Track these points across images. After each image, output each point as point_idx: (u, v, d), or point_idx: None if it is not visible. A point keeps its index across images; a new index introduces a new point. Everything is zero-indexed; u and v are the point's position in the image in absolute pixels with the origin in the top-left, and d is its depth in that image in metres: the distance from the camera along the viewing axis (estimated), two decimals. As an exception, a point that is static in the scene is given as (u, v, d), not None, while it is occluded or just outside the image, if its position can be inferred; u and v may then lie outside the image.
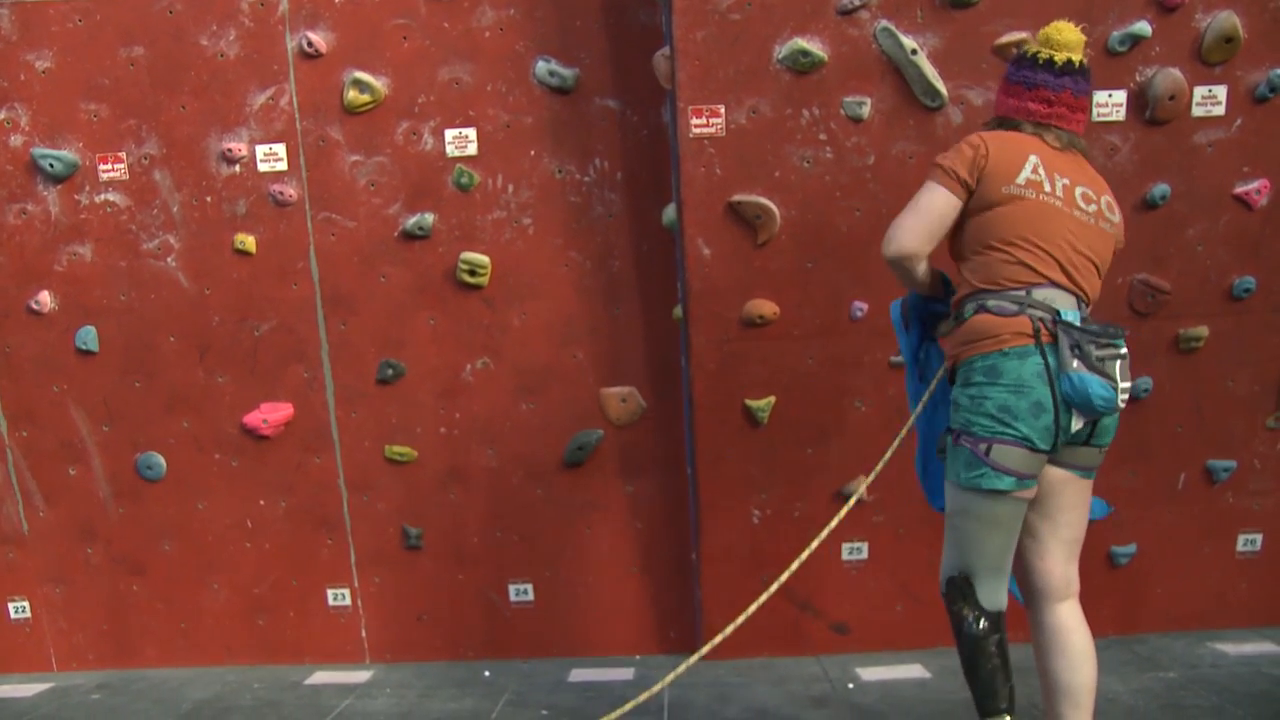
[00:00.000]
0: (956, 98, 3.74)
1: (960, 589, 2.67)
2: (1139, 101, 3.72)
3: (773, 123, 3.76)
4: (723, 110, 3.75)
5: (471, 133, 3.98)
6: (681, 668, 3.10)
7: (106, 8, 3.99)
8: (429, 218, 4.03)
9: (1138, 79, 3.70)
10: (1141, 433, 3.94)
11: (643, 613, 4.24)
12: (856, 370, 3.91)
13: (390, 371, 4.14)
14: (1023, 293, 2.56)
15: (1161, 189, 3.76)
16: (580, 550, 4.23)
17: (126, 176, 4.12)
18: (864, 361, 3.90)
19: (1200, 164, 3.77)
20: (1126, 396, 2.55)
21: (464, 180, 3.99)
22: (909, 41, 3.68)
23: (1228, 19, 3.63)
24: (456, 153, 3.99)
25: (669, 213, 3.96)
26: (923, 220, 2.62)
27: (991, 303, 2.58)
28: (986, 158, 2.58)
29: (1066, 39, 2.65)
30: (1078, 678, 2.69)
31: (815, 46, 3.70)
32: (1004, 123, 2.74)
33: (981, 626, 2.64)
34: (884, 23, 3.68)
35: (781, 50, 3.71)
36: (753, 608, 3.00)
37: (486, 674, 4.16)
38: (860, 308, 3.85)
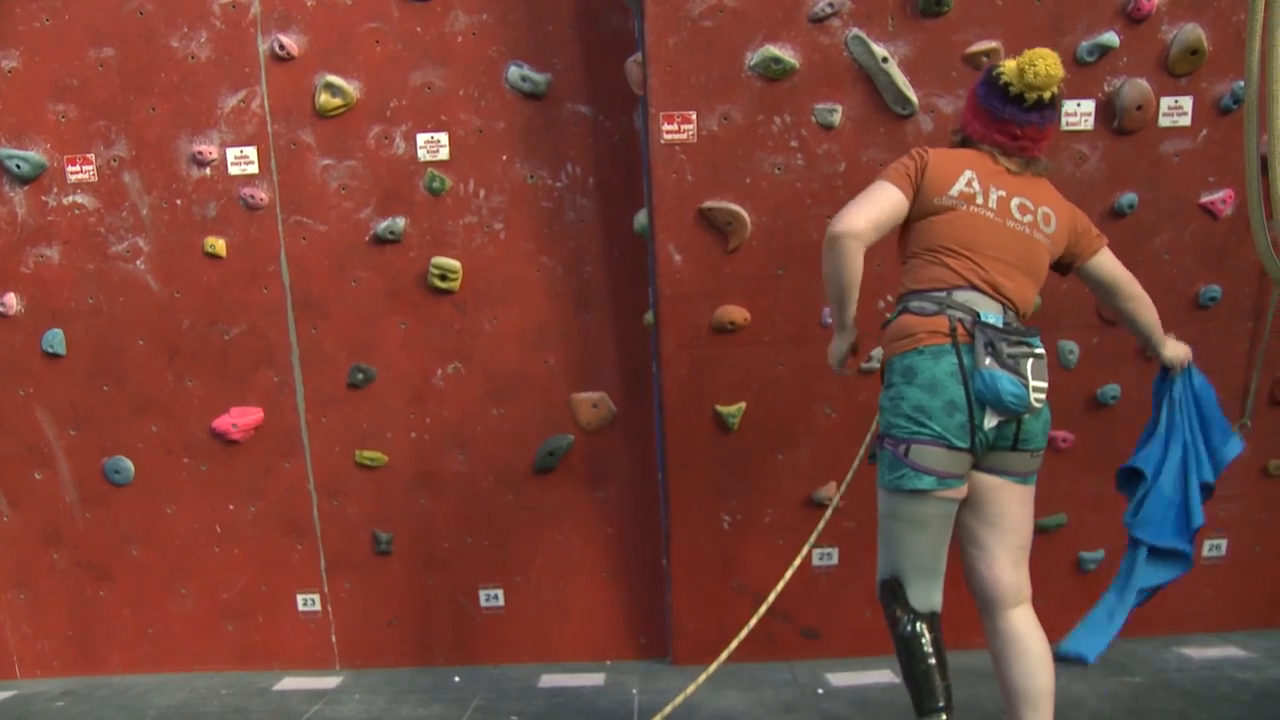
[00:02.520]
0: (927, 105, 3.76)
1: (892, 591, 2.70)
2: (1107, 111, 3.75)
3: (744, 129, 3.77)
4: (694, 116, 3.76)
5: (443, 137, 3.97)
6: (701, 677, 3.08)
7: (75, 7, 3.97)
8: (400, 222, 4.02)
9: (1105, 89, 3.73)
10: (1109, 439, 3.97)
11: (613, 618, 4.24)
12: (826, 377, 3.89)
13: (361, 376, 4.12)
14: (944, 294, 2.63)
15: (1129, 198, 3.79)
16: (551, 555, 4.22)
17: (95, 178, 4.09)
18: (834, 368, 3.91)
19: (1167, 173, 3.81)
20: (1042, 396, 2.57)
21: (436, 185, 3.98)
22: (880, 49, 3.70)
23: (1193, 31, 3.67)
24: (428, 157, 3.99)
25: (640, 218, 3.96)
26: (873, 207, 2.66)
27: (914, 303, 2.67)
28: (924, 170, 2.68)
29: (1043, 79, 2.62)
30: (1035, 682, 2.71)
31: (787, 54, 3.72)
32: (967, 142, 2.83)
33: (913, 628, 2.66)
34: (855, 31, 3.70)
35: (753, 57, 3.73)
36: (753, 620, 3.25)
37: (456, 680, 4.14)
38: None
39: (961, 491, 2.63)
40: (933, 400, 2.54)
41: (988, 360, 2.51)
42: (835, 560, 4.04)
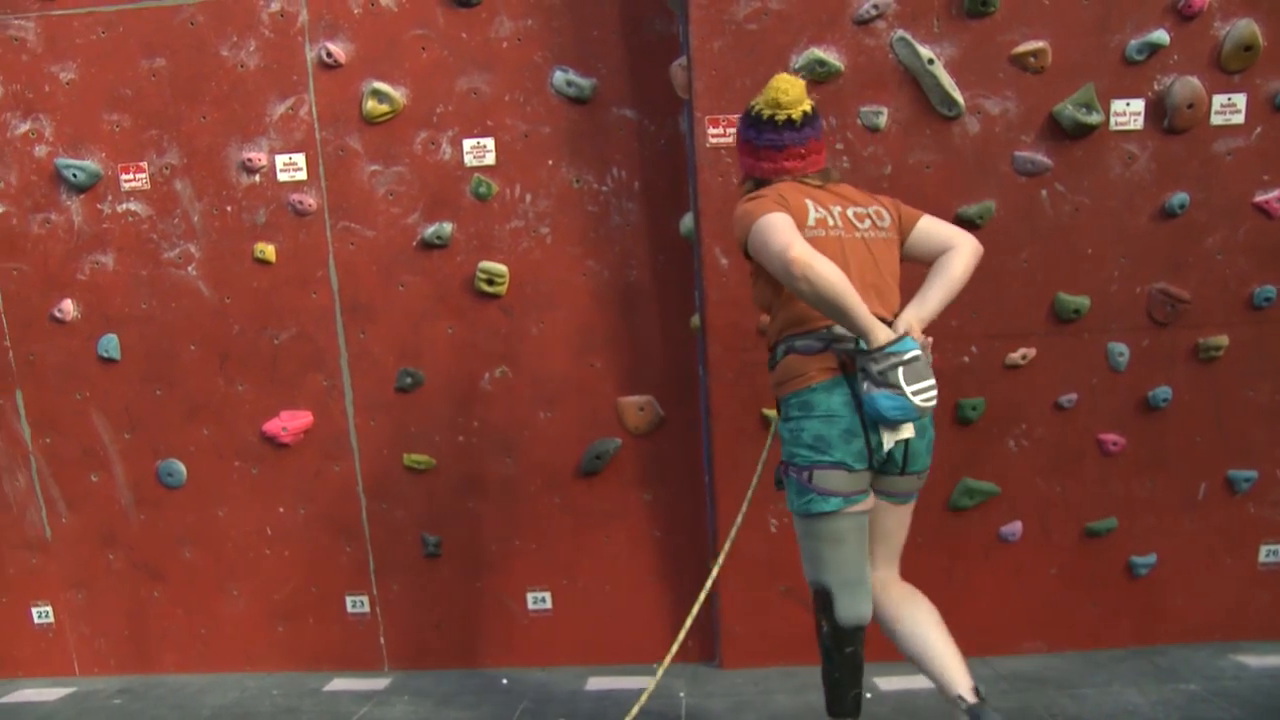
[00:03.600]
0: (973, 107, 3.73)
1: (820, 601, 2.86)
2: (1157, 110, 3.70)
3: (790, 132, 3.77)
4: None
5: (490, 142, 4.00)
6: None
7: (129, 19, 4.04)
8: (447, 227, 4.05)
9: (1155, 88, 3.68)
10: (1160, 443, 3.93)
11: (661, 621, 4.24)
12: (874, 379, 3.90)
13: (409, 380, 4.15)
14: (825, 330, 2.73)
15: (1180, 198, 3.74)
16: (598, 558, 4.23)
17: (148, 186, 4.16)
18: (881, 370, 3.89)
19: (1220, 172, 3.75)
20: (928, 397, 2.60)
21: (482, 190, 4.01)
22: (926, 51, 3.67)
23: (1247, 27, 3.61)
24: (475, 162, 4.01)
25: (686, 222, 3.97)
26: (789, 231, 2.62)
27: (799, 343, 2.77)
28: (787, 206, 2.70)
29: (793, 96, 2.79)
30: (930, 626, 2.89)
31: (832, 56, 3.71)
32: (761, 183, 2.89)
33: (832, 638, 2.83)
34: (901, 32, 3.68)
35: (798, 60, 3.72)
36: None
37: (504, 682, 4.17)
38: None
39: (868, 504, 2.78)
40: (831, 429, 2.69)
41: (865, 385, 2.61)
42: (883, 564, 4.02)
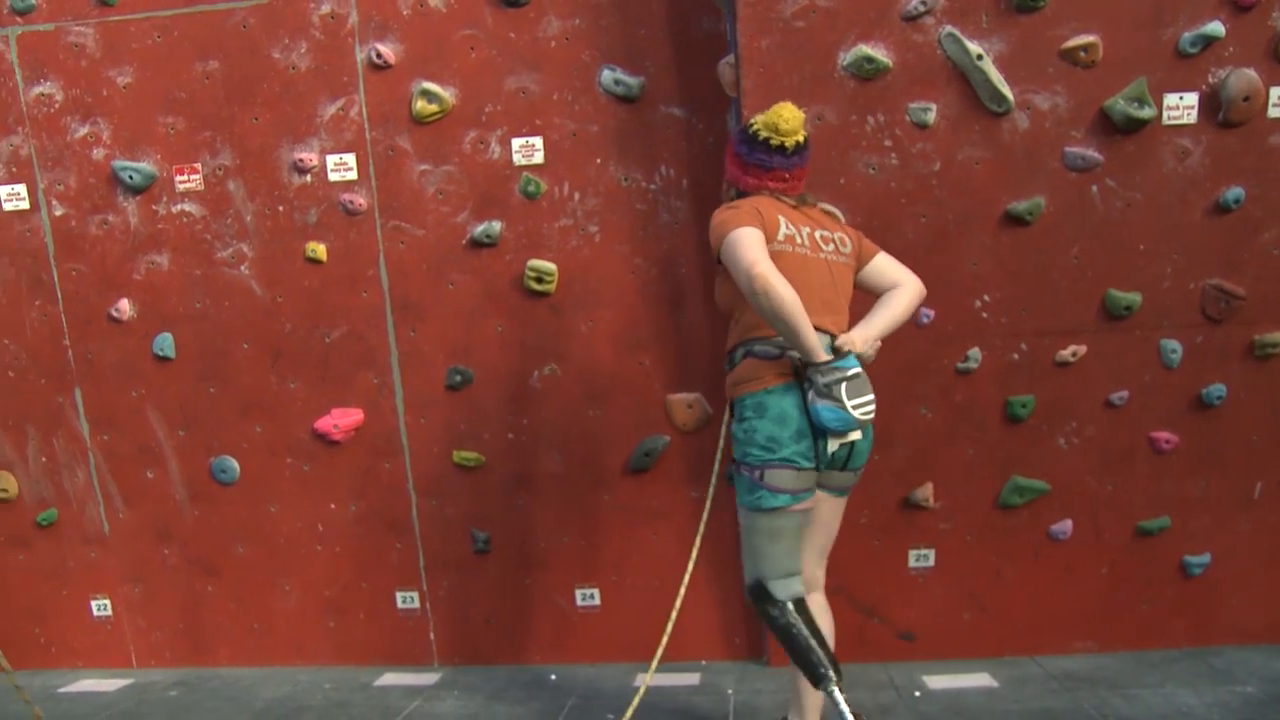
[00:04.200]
0: (1023, 103, 3.70)
1: (758, 594, 3.00)
2: (1211, 103, 3.65)
3: (838, 130, 3.76)
4: (788, 117, 3.75)
5: (538, 141, 4.02)
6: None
7: (184, 24, 4.10)
8: (496, 225, 4.08)
9: (1210, 80, 3.63)
10: (1215, 441, 3.88)
11: (709, 618, 4.25)
12: (922, 376, 3.89)
13: (458, 378, 4.19)
14: (782, 338, 2.87)
15: (1235, 192, 3.69)
16: (646, 555, 4.24)
17: (202, 187, 4.22)
18: (930, 368, 3.88)
19: (1276, 166, 3.70)
20: (866, 410, 2.79)
21: (531, 188, 4.04)
22: (974, 47, 3.65)
23: (1306, 18, 3.56)
24: (523, 161, 4.04)
25: (734, 220, 3.96)
26: (757, 248, 2.81)
27: (758, 348, 2.94)
28: (761, 219, 2.90)
29: (791, 125, 2.99)
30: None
31: (880, 53, 3.70)
32: (743, 194, 3.08)
33: (786, 618, 2.95)
34: (949, 28, 3.67)
35: (846, 57, 3.71)
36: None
37: (552, 678, 4.20)
38: (927, 314, 3.83)
39: (811, 503, 2.97)
40: (782, 431, 2.86)
41: (811, 395, 2.81)
42: (931, 562, 4.00)
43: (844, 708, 2.89)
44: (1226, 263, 3.76)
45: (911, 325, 3.84)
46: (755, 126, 3.05)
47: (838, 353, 2.85)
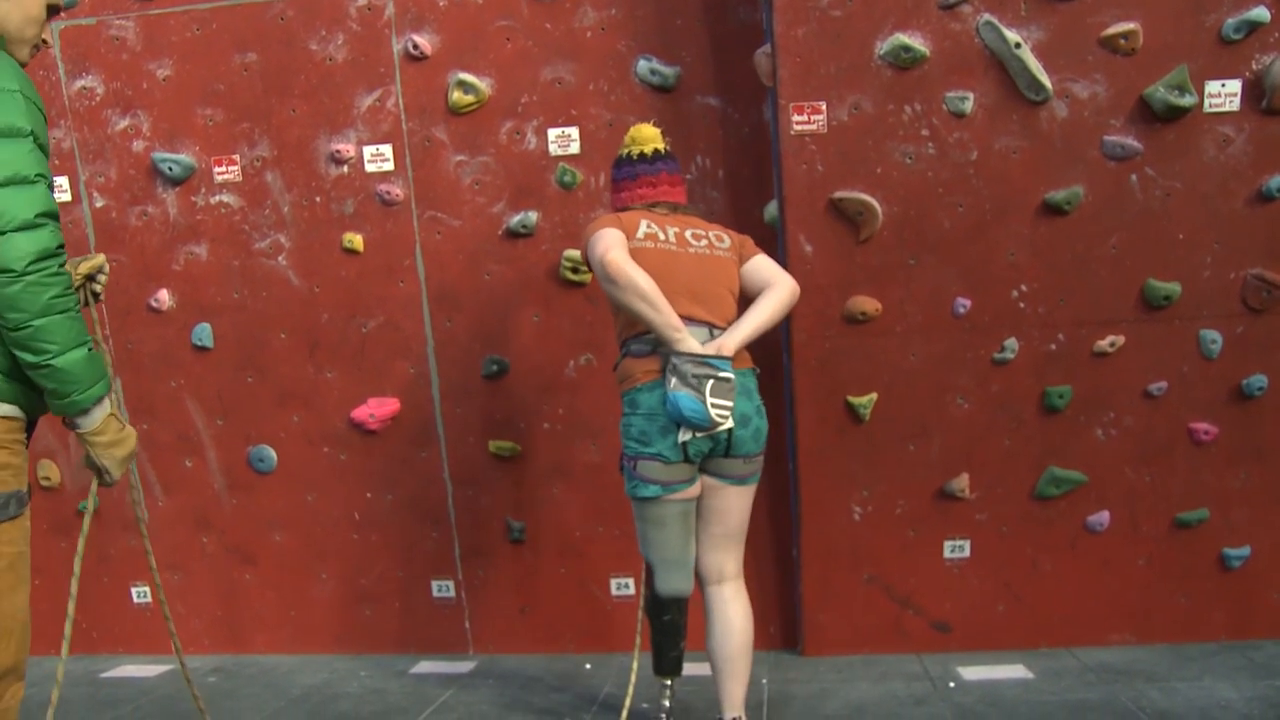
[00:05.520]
0: (1061, 91, 3.68)
1: (646, 574, 3.27)
2: (1254, 90, 3.61)
3: (874, 119, 3.75)
4: (824, 107, 3.75)
5: (574, 131, 4.03)
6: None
7: (222, 16, 4.14)
8: (533, 216, 4.09)
9: (1254, 67, 3.59)
10: (1255, 432, 3.84)
11: (742, 608, 4.25)
12: (959, 367, 3.88)
13: (494, 367, 4.21)
14: (652, 334, 3.00)
15: (1278, 181, 3.65)
16: (679, 545, 4.24)
17: (240, 178, 4.26)
18: (966, 358, 3.87)
19: (1321, 154, 3.66)
20: (723, 414, 2.90)
21: (567, 179, 4.05)
22: (1012, 35, 3.64)
23: (1352, 3, 3.52)
24: (559, 151, 4.05)
25: (771, 210, 3.97)
26: (615, 241, 2.97)
27: (634, 347, 3.08)
28: (620, 224, 3.05)
29: (646, 135, 3.23)
30: (726, 647, 3.17)
31: (917, 42, 3.68)
32: (621, 211, 3.20)
33: (652, 606, 3.25)
34: (987, 16, 3.65)
35: (883, 46, 3.70)
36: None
37: (587, 667, 4.21)
38: (963, 304, 3.82)
39: (689, 493, 3.09)
40: (651, 425, 3.00)
41: (673, 382, 2.89)
42: (967, 553, 3.99)
43: (666, 703, 3.36)
44: (1268, 252, 3.72)
45: (947, 315, 3.83)
46: (621, 150, 3.28)
47: (706, 356, 2.93)
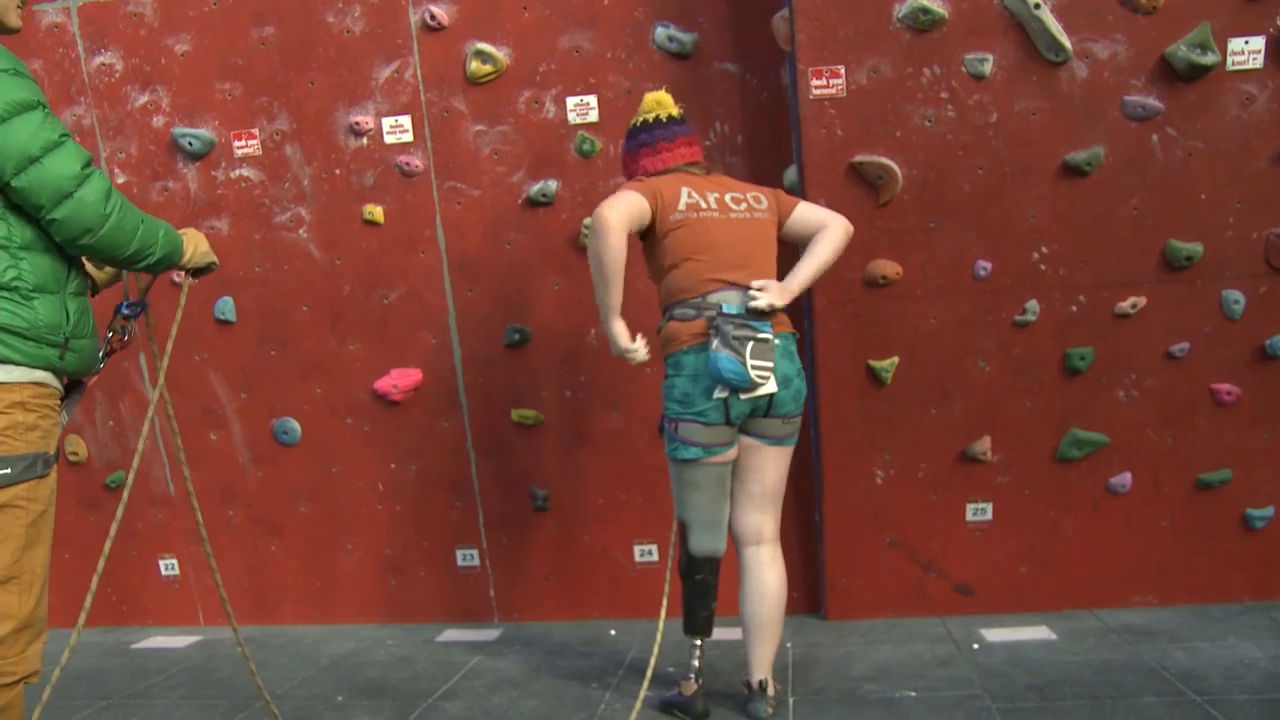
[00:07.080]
0: (1081, 51, 3.66)
1: (680, 533, 3.31)
2: (1278, 48, 3.58)
3: (893, 82, 3.74)
4: (843, 71, 3.74)
5: (593, 100, 4.03)
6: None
7: (240, -11, 4.15)
8: (552, 185, 4.10)
9: (1278, 24, 3.57)
10: (1278, 392, 3.83)
11: (764, 574, 4.26)
12: (980, 330, 3.88)
13: (516, 336, 4.23)
14: (699, 299, 3.06)
15: (1302, 139, 3.64)
16: (702, 512, 4.26)
17: (259, 152, 4.28)
18: (987, 321, 3.86)
19: (1345, 112, 3.63)
20: (763, 375, 2.93)
21: (586, 147, 4.05)
22: (1033, -5, 3.62)
23: (1377, -42, 3.49)
24: (578, 120, 4.05)
25: (790, 175, 3.96)
26: (623, 203, 2.99)
27: (678, 311, 3.10)
28: (658, 194, 3.07)
29: (656, 100, 3.23)
30: (762, 610, 3.21)
31: (935, 4, 3.67)
32: (651, 176, 3.19)
33: (686, 565, 3.28)
34: (1007, -23, 3.64)
35: (902, 9, 3.69)
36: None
37: (612, 633, 4.25)
38: (984, 266, 3.82)
39: (727, 456, 3.13)
40: (695, 388, 3.02)
41: (715, 343, 2.92)
42: (989, 516, 4.00)
43: (695, 663, 3.31)
44: (1292, 211, 3.71)
45: (968, 278, 3.83)
46: (632, 121, 3.28)
47: (757, 313, 2.97)
